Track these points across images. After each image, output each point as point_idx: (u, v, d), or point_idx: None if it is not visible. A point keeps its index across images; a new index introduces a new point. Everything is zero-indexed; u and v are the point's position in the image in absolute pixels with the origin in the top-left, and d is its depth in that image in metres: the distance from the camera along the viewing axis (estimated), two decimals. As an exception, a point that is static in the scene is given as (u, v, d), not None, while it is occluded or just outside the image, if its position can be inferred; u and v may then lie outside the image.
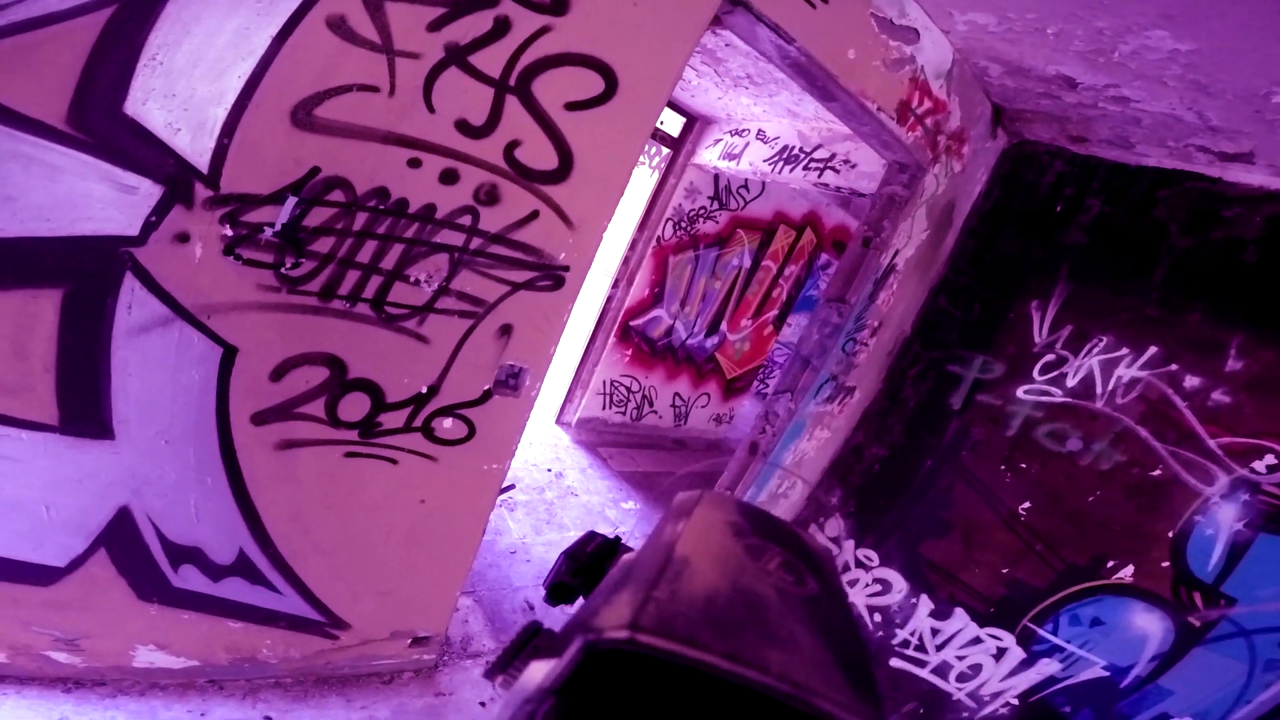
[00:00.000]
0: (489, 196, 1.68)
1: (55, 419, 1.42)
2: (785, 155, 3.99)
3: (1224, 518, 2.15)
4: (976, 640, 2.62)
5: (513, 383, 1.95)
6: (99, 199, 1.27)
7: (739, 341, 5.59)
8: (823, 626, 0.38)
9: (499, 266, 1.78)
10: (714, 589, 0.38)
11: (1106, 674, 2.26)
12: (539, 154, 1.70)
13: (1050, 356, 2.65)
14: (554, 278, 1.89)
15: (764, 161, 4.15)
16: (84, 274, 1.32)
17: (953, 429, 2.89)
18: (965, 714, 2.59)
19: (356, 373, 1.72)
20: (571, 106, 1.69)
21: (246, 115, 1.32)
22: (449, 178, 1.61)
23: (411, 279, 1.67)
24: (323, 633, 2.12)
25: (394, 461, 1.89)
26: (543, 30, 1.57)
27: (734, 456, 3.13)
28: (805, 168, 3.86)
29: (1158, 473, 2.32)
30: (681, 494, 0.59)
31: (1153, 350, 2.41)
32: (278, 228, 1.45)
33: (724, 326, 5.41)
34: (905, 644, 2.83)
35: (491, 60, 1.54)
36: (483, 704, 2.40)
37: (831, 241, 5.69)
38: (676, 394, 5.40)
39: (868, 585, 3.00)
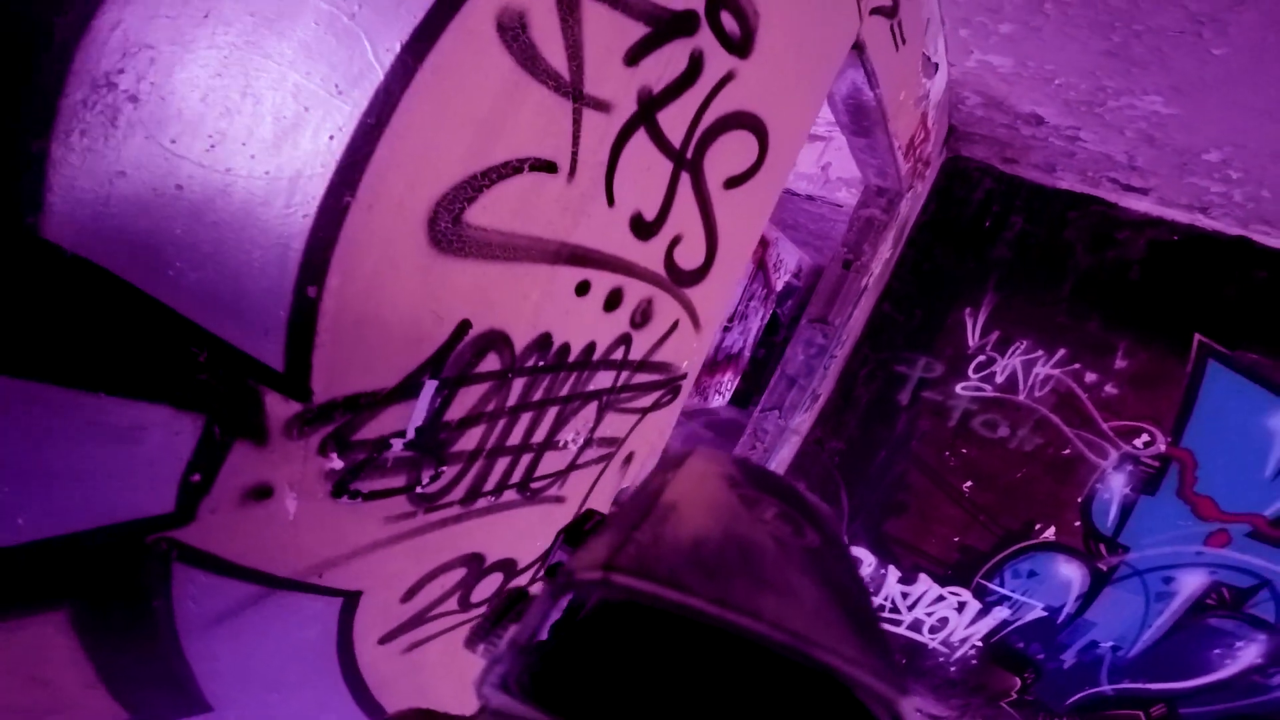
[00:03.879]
0: (644, 317, 1.28)
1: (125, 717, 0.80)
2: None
3: (1116, 485, 2.83)
4: (940, 599, 3.13)
5: (619, 500, 1.63)
6: (72, 458, 0.61)
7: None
8: (825, 578, 0.34)
9: (635, 396, 1.41)
10: (703, 534, 0.34)
11: (1046, 614, 2.90)
12: (693, 250, 1.33)
13: (982, 358, 3.09)
14: (674, 390, 1.57)
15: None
16: (93, 586, 0.68)
17: (902, 422, 3.24)
18: (941, 658, 3.14)
19: (494, 558, 1.28)
20: (729, 183, 1.33)
21: (349, 227, 0.67)
22: (614, 301, 1.17)
23: (561, 444, 1.23)
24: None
25: (517, 612, 1.51)
26: (728, 78, 1.18)
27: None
28: (733, 156, 3.72)
29: (1067, 451, 2.93)
30: (673, 450, 0.52)
31: (1062, 352, 2.95)
32: (411, 435, 0.90)
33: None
34: (880, 608, 3.26)
35: (676, 120, 1.10)
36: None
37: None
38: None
39: (839, 568, 3.34)
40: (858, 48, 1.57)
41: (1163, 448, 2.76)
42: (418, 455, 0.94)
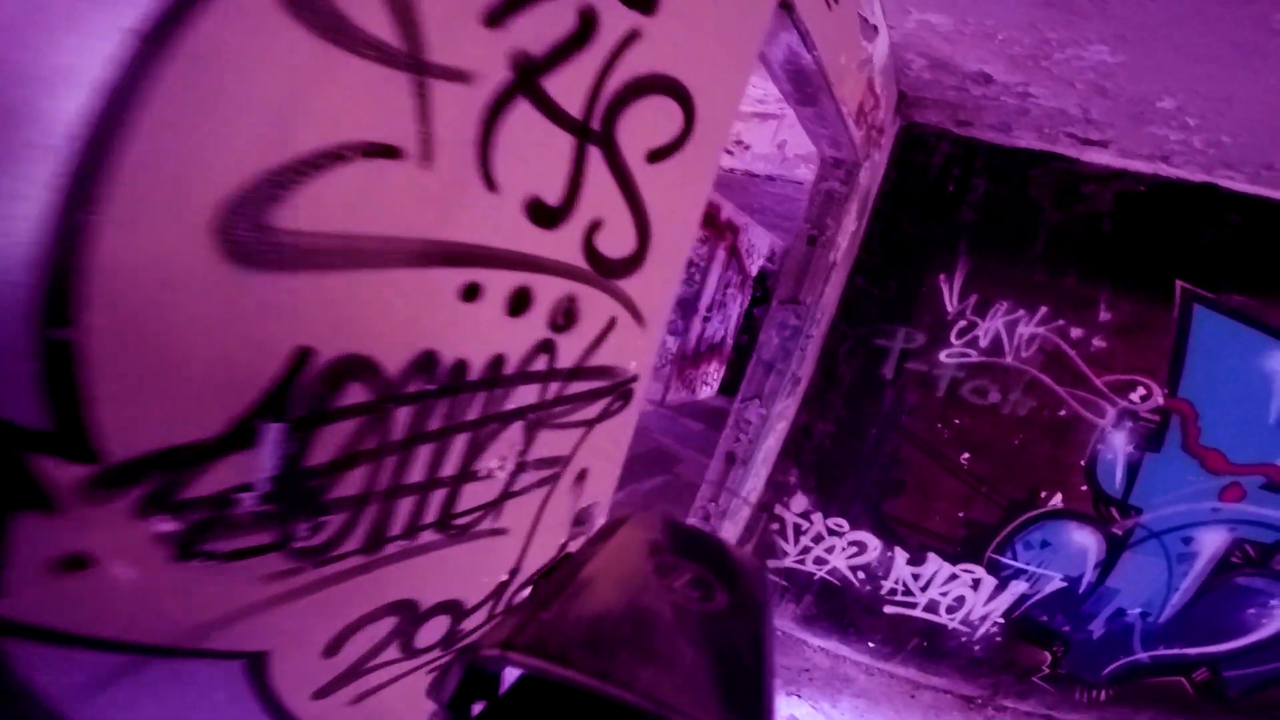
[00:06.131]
0: (567, 317, 1.15)
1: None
2: (667, 136, 3.73)
3: (1118, 443, 2.72)
4: (953, 577, 3.00)
5: (584, 519, 1.52)
6: None
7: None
8: (714, 644, 0.39)
9: (575, 408, 1.29)
10: (607, 609, 0.40)
11: (1065, 584, 2.78)
12: (620, 236, 1.22)
13: (963, 322, 3.00)
14: (625, 394, 1.45)
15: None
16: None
17: (889, 397, 3.14)
18: (963, 638, 3.00)
19: (431, 601, 1.16)
20: (653, 157, 1.23)
21: (100, 251, 0.54)
22: (520, 304, 1.03)
23: (482, 473, 1.12)
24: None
25: (473, 654, 1.41)
26: (631, 36, 1.08)
27: (710, 467, 3.00)
28: (691, 150, 3.66)
29: (1063, 413, 2.83)
30: (618, 514, 0.59)
31: (1043, 309, 2.87)
32: (263, 488, 0.78)
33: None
34: (893, 592, 3.12)
35: (572, 88, 0.99)
36: None
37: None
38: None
39: (844, 549, 3.20)
40: (785, 6, 1.50)
41: (1160, 400, 2.66)
42: (283, 508, 0.80)
